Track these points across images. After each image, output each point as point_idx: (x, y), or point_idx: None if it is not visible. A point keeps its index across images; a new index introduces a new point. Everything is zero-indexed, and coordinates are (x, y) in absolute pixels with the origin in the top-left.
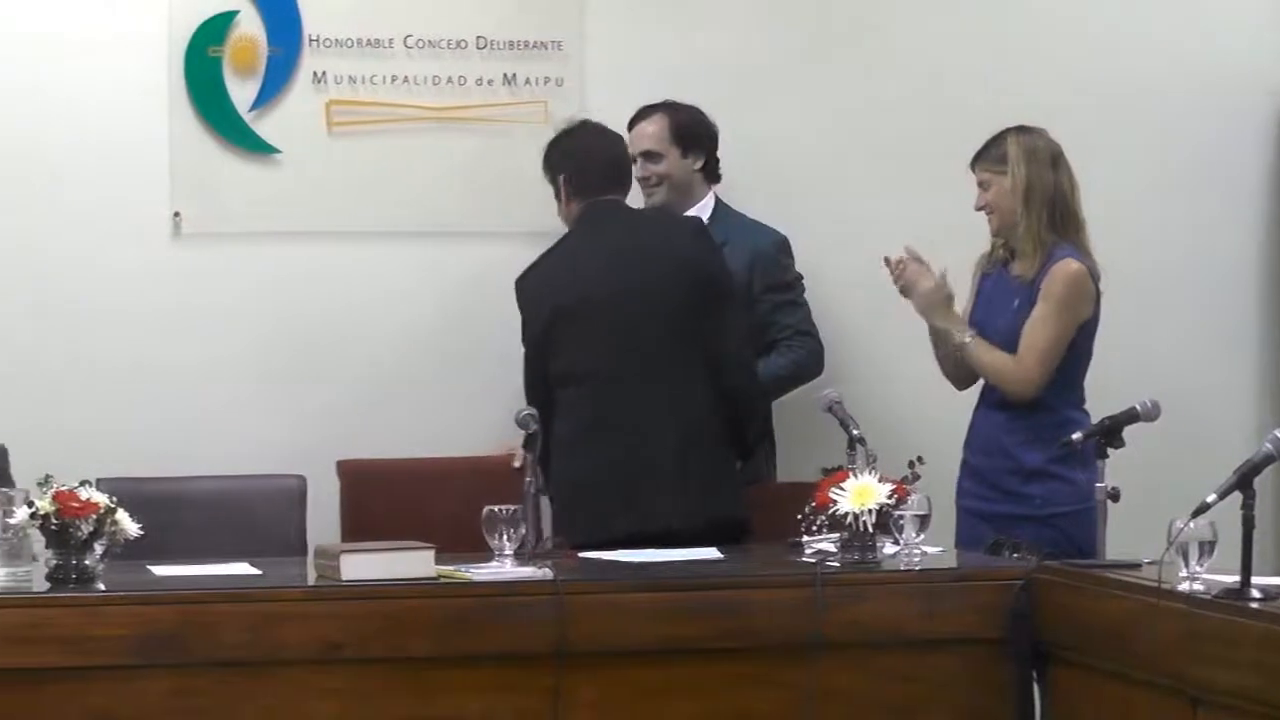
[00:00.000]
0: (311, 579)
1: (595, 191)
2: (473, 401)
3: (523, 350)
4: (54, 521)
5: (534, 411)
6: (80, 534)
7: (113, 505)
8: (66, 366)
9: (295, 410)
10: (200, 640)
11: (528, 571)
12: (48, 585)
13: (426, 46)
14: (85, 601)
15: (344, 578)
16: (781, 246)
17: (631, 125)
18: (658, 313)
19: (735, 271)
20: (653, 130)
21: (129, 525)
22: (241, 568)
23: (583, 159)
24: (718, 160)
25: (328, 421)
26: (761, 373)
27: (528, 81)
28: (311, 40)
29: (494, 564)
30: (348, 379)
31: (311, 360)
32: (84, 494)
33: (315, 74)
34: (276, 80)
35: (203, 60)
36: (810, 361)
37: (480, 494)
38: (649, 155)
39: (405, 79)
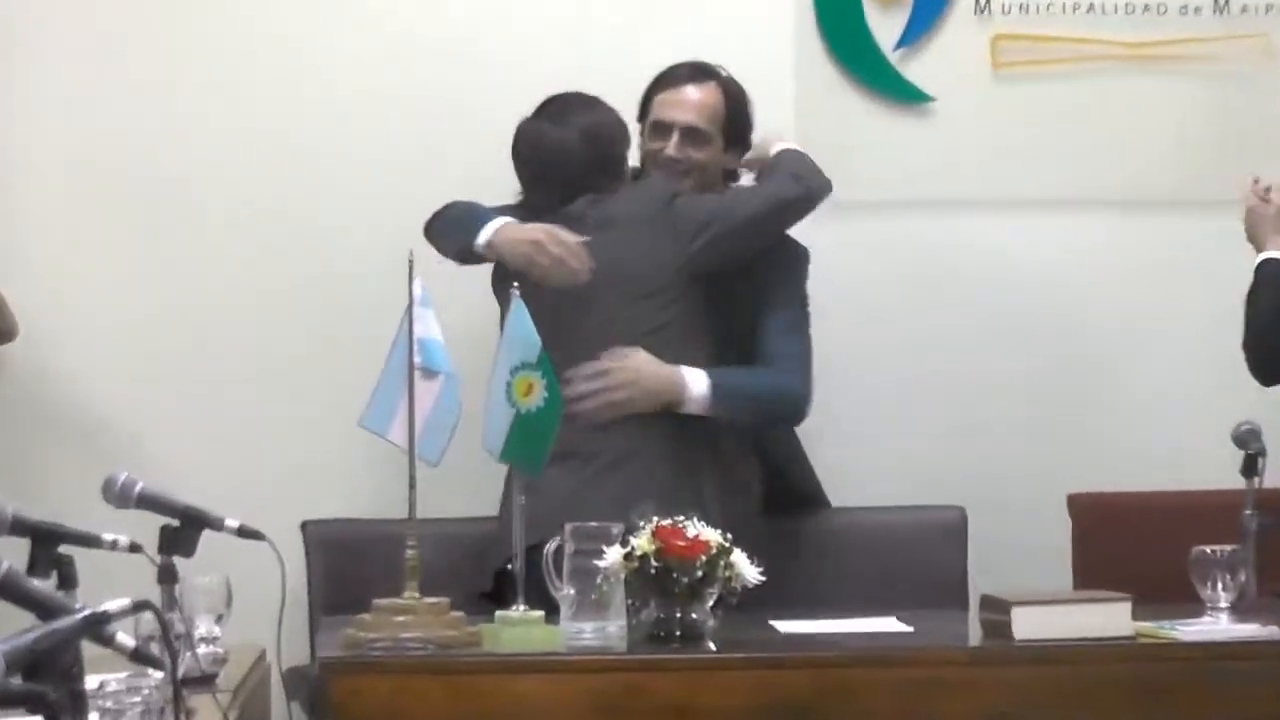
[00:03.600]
0: (975, 637)
1: None
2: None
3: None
4: (654, 564)
5: (1256, 427)
6: (687, 580)
7: (727, 544)
8: None
9: (942, 425)
10: (837, 712)
11: (1250, 630)
12: (646, 644)
13: None
14: (693, 665)
15: (1017, 636)
16: (805, 257)
17: (671, 83)
18: None
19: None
20: (703, 100)
21: (747, 569)
22: (888, 623)
23: None
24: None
25: (980, 441)
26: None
27: (1244, 9)
28: None
29: (1206, 619)
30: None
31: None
32: (691, 530)
33: (978, 2)
34: (929, 11)
35: None
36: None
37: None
38: (692, 134)
39: (1090, 7)
